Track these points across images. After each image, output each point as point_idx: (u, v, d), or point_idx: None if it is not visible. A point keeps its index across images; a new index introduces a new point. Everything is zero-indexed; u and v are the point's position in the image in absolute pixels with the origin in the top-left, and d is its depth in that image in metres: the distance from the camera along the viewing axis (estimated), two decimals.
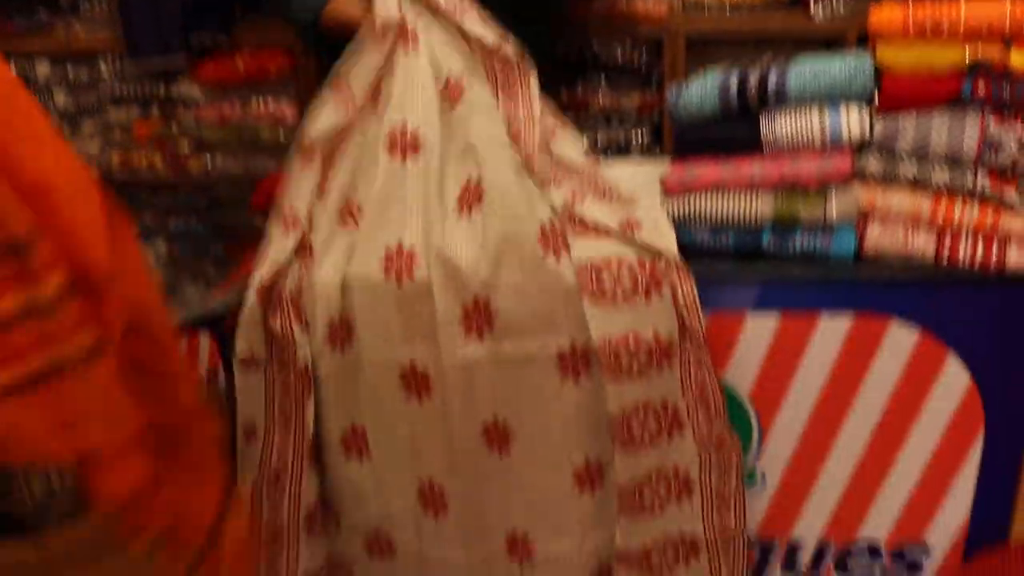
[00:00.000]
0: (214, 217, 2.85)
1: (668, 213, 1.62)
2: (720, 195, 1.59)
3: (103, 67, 2.71)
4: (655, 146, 2.73)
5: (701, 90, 1.59)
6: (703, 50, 2.73)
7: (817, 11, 2.51)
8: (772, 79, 1.55)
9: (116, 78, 2.71)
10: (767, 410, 1.67)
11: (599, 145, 2.72)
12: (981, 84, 1.50)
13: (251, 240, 2.55)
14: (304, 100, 2.49)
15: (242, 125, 2.71)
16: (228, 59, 2.63)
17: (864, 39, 2.52)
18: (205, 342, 1.57)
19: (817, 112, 1.55)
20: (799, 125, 1.55)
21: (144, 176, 2.81)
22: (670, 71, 2.60)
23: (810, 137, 1.55)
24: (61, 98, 2.78)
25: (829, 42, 2.64)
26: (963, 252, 1.54)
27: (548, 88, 1.66)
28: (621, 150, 2.72)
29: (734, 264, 1.61)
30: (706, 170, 1.60)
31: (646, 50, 2.62)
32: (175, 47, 2.57)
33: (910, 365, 1.61)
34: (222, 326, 1.58)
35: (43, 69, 2.75)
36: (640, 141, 2.71)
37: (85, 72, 2.74)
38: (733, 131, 1.59)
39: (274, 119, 2.68)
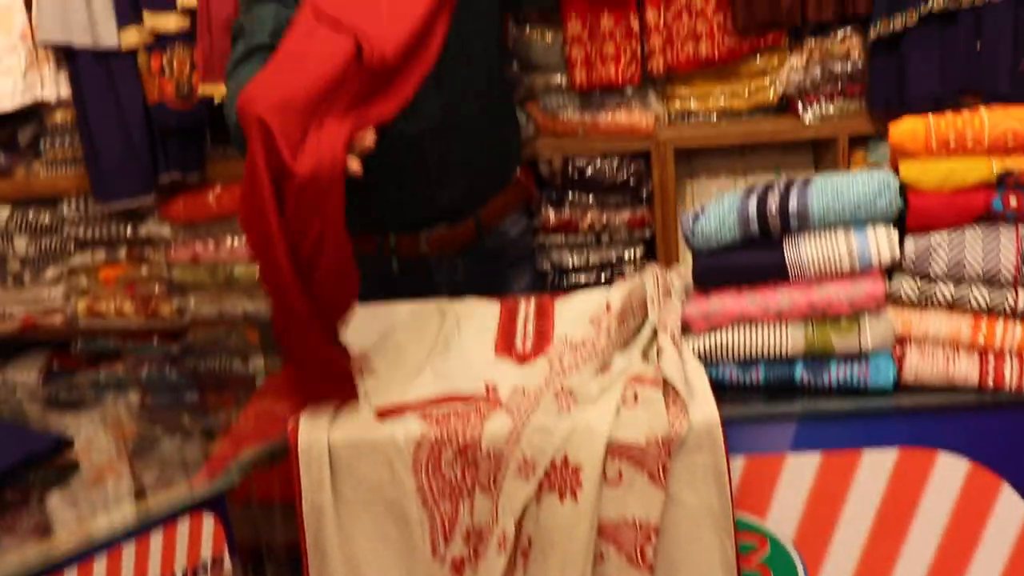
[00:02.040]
0: (188, 364, 2.72)
1: (692, 349, 1.53)
2: (747, 327, 1.51)
3: (66, 209, 2.61)
4: (649, 263, 2.66)
5: (718, 216, 1.51)
6: (693, 160, 2.70)
7: (807, 115, 2.47)
8: (793, 202, 1.48)
9: (80, 220, 2.61)
10: (813, 557, 1.55)
11: (590, 265, 2.65)
12: (1012, 197, 1.44)
13: (227, 387, 2.41)
14: None
15: (215, 264, 2.61)
16: (199, 195, 2.55)
17: (857, 140, 2.52)
18: (209, 525, 1.43)
19: (843, 234, 1.47)
20: (825, 249, 1.47)
21: (113, 323, 2.69)
22: (660, 184, 2.55)
23: (837, 261, 1.47)
24: (22, 243, 2.67)
25: (819, 144, 2.62)
26: (1009, 375, 1.46)
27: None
28: (613, 269, 2.65)
29: (766, 400, 1.51)
30: (730, 302, 1.51)
31: (634, 164, 2.55)
32: (145, 188, 2.48)
33: (961, 499, 1.51)
34: (225, 507, 1.45)
35: (2, 213, 2.65)
36: (633, 259, 2.64)
37: (47, 215, 2.64)
38: (756, 258, 1.51)
39: (250, 256, 2.59)
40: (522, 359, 1.66)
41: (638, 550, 1.44)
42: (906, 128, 1.46)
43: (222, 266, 2.61)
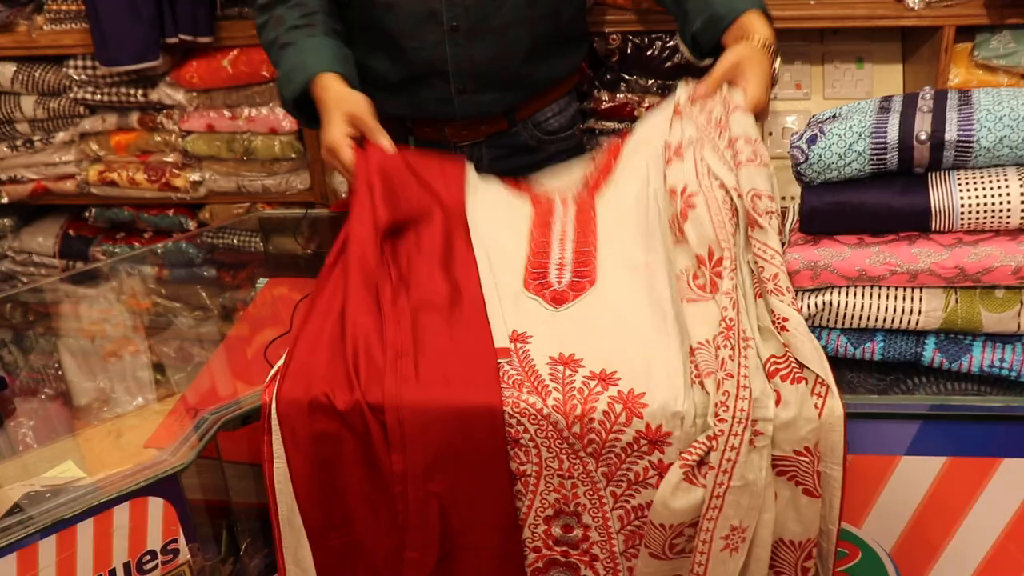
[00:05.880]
0: (205, 237, 2.27)
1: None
2: (867, 289, 1.02)
3: (72, 70, 2.10)
4: None
5: (844, 138, 1.00)
6: None
7: None
8: (950, 126, 0.96)
9: (88, 82, 2.11)
10: (914, 570, 1.11)
11: None
12: None
13: (245, 266, 2.00)
14: None
15: (232, 135, 2.12)
16: (212, 59, 2.03)
17: (964, 30, 1.94)
18: (157, 509, 1.00)
19: (1016, 176, 0.96)
20: (988, 194, 0.96)
21: (127, 192, 2.23)
22: None
23: (1004, 212, 0.96)
24: (29, 104, 2.18)
25: (909, 33, 2.04)
26: None
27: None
28: None
29: (881, 390, 1.03)
30: (848, 254, 1.01)
31: None
32: (151, 51, 1.97)
33: None
34: (179, 487, 1.02)
35: (6, 70, 2.14)
36: None
37: (53, 74, 2.13)
38: (889, 199, 1.00)
39: (269, 127, 2.09)
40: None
41: (799, 570, 1.03)
42: None
43: (240, 137, 2.11)
